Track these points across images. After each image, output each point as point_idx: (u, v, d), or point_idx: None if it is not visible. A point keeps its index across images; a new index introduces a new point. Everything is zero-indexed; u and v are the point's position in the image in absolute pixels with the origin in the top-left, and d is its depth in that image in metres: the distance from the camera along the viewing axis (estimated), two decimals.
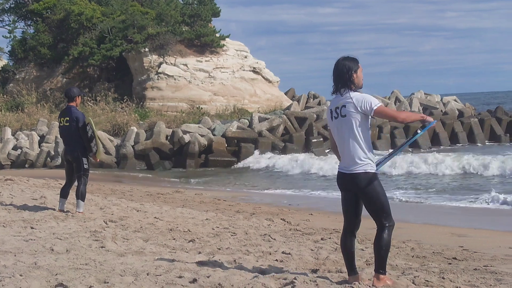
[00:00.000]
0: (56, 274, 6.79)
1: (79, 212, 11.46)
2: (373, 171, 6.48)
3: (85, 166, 11.53)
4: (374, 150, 6.75)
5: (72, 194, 11.93)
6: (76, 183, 11.66)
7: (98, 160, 11.78)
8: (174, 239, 9.63)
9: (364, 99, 6.43)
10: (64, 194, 11.79)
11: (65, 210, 11.72)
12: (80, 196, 11.50)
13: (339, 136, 6.58)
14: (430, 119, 6.63)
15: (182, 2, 40.40)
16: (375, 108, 6.39)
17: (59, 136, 12.29)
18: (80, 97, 11.84)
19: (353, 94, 6.48)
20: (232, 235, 10.11)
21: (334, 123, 6.58)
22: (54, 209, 11.82)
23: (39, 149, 30.57)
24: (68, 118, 11.56)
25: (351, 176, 6.48)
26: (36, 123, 32.92)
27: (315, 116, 33.36)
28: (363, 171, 6.44)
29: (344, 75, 6.51)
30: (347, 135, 6.49)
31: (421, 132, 6.74)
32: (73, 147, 11.51)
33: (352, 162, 6.48)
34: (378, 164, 6.62)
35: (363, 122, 6.44)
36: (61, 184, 15.29)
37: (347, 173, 6.51)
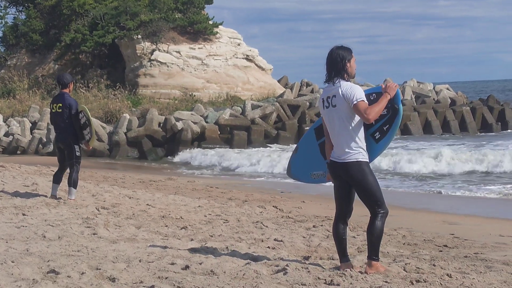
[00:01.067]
0: (48, 261, 6.79)
1: (71, 199, 11.42)
2: (365, 160, 6.48)
3: (77, 154, 11.49)
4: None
5: (64, 181, 11.92)
6: (68, 170, 11.65)
7: (90, 148, 11.76)
8: (166, 226, 9.64)
9: (351, 90, 6.39)
10: (56, 179, 11.77)
11: (57, 196, 11.70)
12: (73, 183, 11.46)
13: (330, 126, 6.58)
14: (391, 91, 6.49)
15: None
16: (354, 102, 6.35)
17: (50, 122, 12.27)
18: (72, 83, 11.77)
19: (343, 84, 6.46)
20: (224, 222, 10.13)
21: (326, 113, 6.58)
22: (46, 196, 11.82)
23: (31, 136, 30.50)
24: (61, 105, 11.47)
25: (343, 165, 6.49)
26: (28, 110, 32.82)
27: (308, 104, 33.36)
28: (355, 160, 6.45)
29: (338, 64, 6.49)
30: (337, 125, 6.49)
31: (399, 106, 6.61)
32: (65, 134, 11.46)
33: (343, 151, 6.48)
34: (372, 154, 6.58)
35: (353, 112, 6.43)
36: (53, 171, 15.28)
37: (339, 162, 6.52)
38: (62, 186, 12.04)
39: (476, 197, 15.67)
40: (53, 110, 11.65)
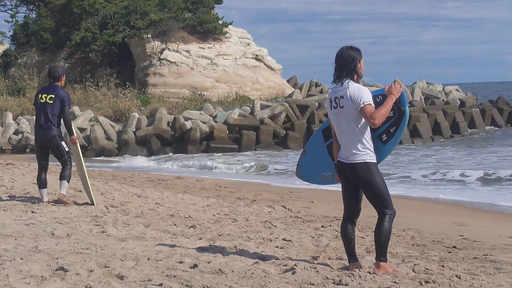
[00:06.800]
0: (57, 258, 6.80)
1: (62, 194, 10.86)
2: (372, 161, 6.46)
3: (67, 149, 10.88)
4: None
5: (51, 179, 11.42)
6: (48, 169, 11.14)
7: (77, 139, 11.10)
8: (175, 224, 9.65)
9: (358, 93, 6.37)
10: (42, 184, 11.01)
11: (48, 200, 11.06)
12: (67, 177, 10.86)
13: (337, 126, 6.56)
14: (396, 92, 6.47)
15: None
16: (361, 105, 6.33)
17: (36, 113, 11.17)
18: (64, 76, 11.17)
19: (351, 85, 6.44)
20: (233, 222, 10.13)
21: (333, 113, 6.56)
22: (54, 194, 11.80)
23: None
24: (53, 96, 10.79)
25: (350, 166, 6.48)
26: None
27: (317, 104, 33.33)
28: (362, 161, 6.43)
29: (349, 65, 6.47)
30: (345, 126, 6.47)
31: (406, 108, 6.57)
32: (49, 130, 10.75)
33: (350, 152, 6.46)
34: (379, 156, 6.56)
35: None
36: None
37: (346, 163, 6.50)
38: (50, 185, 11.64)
39: None
40: (41, 100, 10.85)
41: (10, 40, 43.52)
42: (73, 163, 11.22)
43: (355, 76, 6.51)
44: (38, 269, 6.27)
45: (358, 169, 6.44)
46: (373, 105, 6.37)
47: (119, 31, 36.87)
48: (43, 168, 11.08)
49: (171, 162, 26.86)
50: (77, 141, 11.10)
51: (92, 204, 11.06)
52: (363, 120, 6.41)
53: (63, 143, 10.88)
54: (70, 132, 10.96)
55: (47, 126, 10.82)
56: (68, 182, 11.03)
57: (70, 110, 10.98)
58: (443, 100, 38.15)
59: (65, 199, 10.99)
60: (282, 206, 12.42)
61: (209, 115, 31.01)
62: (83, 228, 8.84)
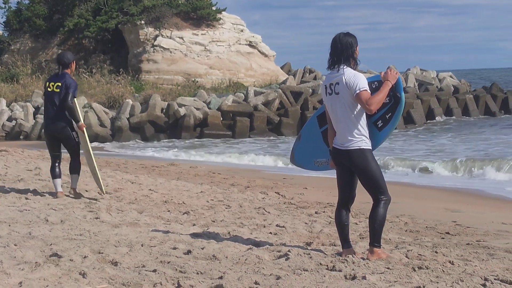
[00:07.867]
0: (51, 244, 6.80)
1: (73, 189, 10.50)
2: (368, 147, 6.46)
3: (77, 140, 10.45)
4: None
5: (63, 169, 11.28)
6: (61, 159, 10.73)
7: (84, 127, 10.47)
8: (168, 211, 9.65)
9: (354, 79, 6.35)
10: (56, 175, 10.47)
11: (61, 190, 10.53)
12: (77, 169, 10.50)
13: (332, 113, 6.55)
14: (392, 79, 6.47)
15: None
16: (357, 91, 6.31)
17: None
18: (74, 62, 10.53)
19: (347, 72, 6.41)
20: (226, 208, 10.14)
21: (328, 100, 6.55)
22: (48, 180, 11.75)
23: (34, 121, 30.53)
24: (59, 84, 10.18)
25: (346, 152, 6.47)
26: (31, 95, 32.84)
27: (310, 90, 33.32)
28: (358, 147, 6.42)
29: (348, 51, 6.45)
30: (340, 112, 6.46)
31: (401, 94, 6.59)
32: (59, 121, 10.27)
33: (346, 139, 6.45)
34: (375, 142, 6.56)
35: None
36: None
37: (342, 150, 6.50)
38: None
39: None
40: (49, 89, 10.28)
41: (3, 26, 43.36)
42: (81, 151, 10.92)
43: (353, 63, 6.49)
44: (32, 255, 6.27)
45: (354, 155, 6.44)
46: (369, 91, 6.35)
47: (113, 18, 36.75)
48: (56, 159, 10.56)
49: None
50: (84, 128, 10.51)
51: (102, 192, 10.76)
52: (359, 106, 6.40)
53: (74, 133, 10.39)
54: (76, 119, 10.33)
55: (56, 116, 10.32)
56: (79, 175, 10.59)
57: (74, 98, 10.29)
58: (437, 86, 38.18)
59: (78, 193, 10.57)
60: (275, 192, 12.43)
61: (203, 102, 30.99)
62: (77, 214, 8.84)
